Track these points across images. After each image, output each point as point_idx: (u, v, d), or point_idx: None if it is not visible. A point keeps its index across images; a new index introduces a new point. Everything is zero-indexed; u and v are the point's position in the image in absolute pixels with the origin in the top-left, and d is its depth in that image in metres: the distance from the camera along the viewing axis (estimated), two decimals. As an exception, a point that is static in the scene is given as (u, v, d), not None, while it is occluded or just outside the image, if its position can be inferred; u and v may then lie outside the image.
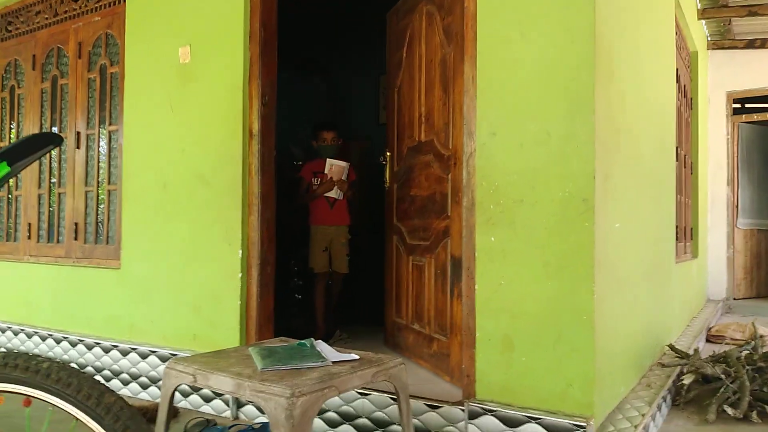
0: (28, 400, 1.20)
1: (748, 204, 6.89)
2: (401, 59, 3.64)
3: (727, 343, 4.43)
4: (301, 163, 4.92)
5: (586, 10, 2.34)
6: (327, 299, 4.18)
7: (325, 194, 4.14)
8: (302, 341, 2.39)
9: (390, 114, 3.83)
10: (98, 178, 4.07)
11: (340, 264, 4.20)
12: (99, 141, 4.07)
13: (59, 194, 4.31)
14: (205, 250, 3.32)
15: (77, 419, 1.16)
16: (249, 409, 3.08)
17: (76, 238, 4.10)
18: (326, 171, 4.11)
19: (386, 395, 2.66)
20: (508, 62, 2.50)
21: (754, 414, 2.90)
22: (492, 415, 2.41)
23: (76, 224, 4.11)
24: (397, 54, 3.72)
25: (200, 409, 3.22)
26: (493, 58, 2.52)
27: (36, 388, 1.17)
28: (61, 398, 1.16)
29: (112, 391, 1.18)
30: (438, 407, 2.55)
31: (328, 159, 4.11)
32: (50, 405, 1.18)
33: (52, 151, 4.34)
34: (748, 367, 3.13)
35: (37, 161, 4.39)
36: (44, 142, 1.27)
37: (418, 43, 3.41)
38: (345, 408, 2.76)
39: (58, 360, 1.21)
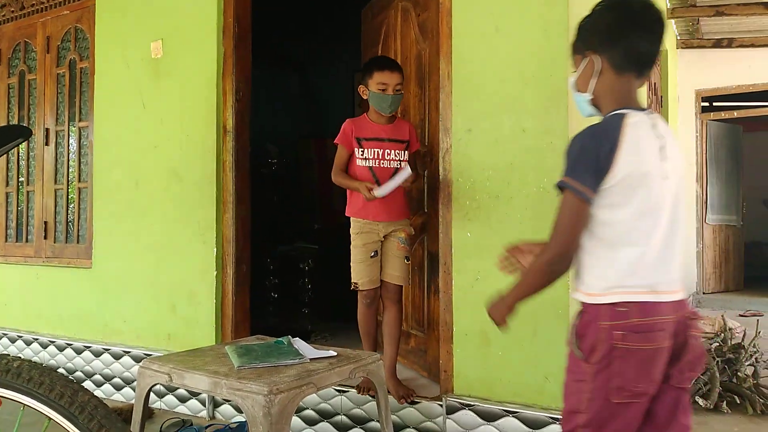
0: (-2, 400, 1.16)
1: (717, 200, 7.04)
2: (376, 55, 3.63)
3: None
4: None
5: (560, 5, 2.37)
6: (375, 323, 2.82)
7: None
8: (279, 339, 2.38)
9: (366, 111, 3.81)
10: (68, 175, 3.98)
11: (395, 272, 2.73)
12: (69, 138, 3.99)
13: (28, 192, 4.21)
14: (179, 248, 3.27)
15: (50, 419, 1.13)
16: (225, 408, 3.05)
17: (45, 237, 4.01)
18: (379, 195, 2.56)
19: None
20: (484, 57, 2.51)
21: (724, 404, 2.97)
22: (470, 409, 2.42)
23: (45, 223, 4.02)
24: (372, 50, 3.70)
25: (176, 410, 3.18)
26: (469, 53, 2.53)
27: (6, 388, 1.14)
28: (33, 398, 1.13)
29: (86, 389, 1.15)
30: (416, 403, 2.55)
31: (375, 192, 2.54)
32: (22, 405, 1.14)
33: (21, 148, 4.24)
34: (717, 359, 3.20)
35: (5, 158, 4.29)
36: (12, 134, 1.24)
37: (393, 39, 3.40)
38: (323, 405, 2.75)
39: (29, 359, 1.18)
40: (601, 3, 1.47)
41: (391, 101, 2.64)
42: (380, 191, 2.53)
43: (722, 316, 4.21)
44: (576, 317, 1.43)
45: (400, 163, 2.68)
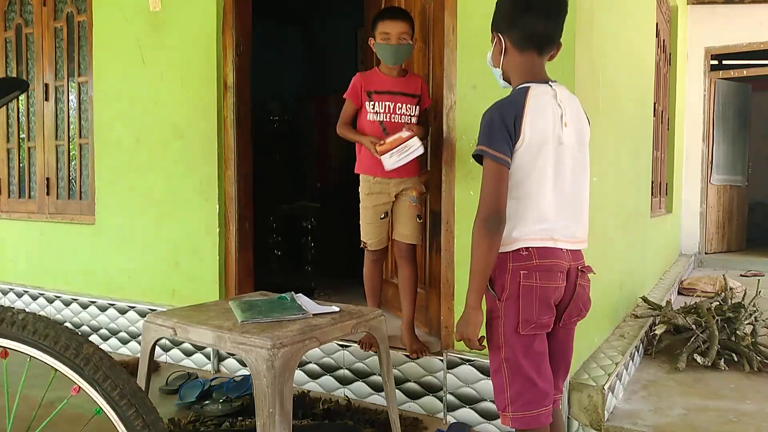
0: (4, 351, 1.18)
1: (722, 160, 6.98)
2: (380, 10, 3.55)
3: (698, 296, 4.55)
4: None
5: (570, -43, 2.29)
6: (380, 280, 2.85)
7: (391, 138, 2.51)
8: (282, 294, 2.39)
9: (369, 67, 3.75)
10: (69, 131, 3.96)
11: (406, 231, 2.69)
12: (68, 93, 3.95)
13: (29, 148, 4.20)
14: (181, 205, 3.27)
15: (56, 370, 1.15)
16: (230, 362, 3.10)
17: (48, 194, 4.01)
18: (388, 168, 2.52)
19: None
20: (489, 11, 2.43)
21: (722, 362, 3.00)
22: (469, 364, 2.45)
23: (47, 179, 4.01)
24: (376, 5, 3.62)
25: (181, 363, 3.23)
26: (474, 7, 2.47)
27: (12, 340, 1.15)
28: (39, 349, 1.14)
29: (90, 341, 1.17)
30: (417, 358, 2.59)
31: (385, 162, 2.49)
32: (28, 356, 1.16)
33: (21, 104, 4.20)
34: (717, 318, 3.22)
35: (5, 114, 4.25)
36: (9, 87, 1.22)
37: (397, -8, 3.32)
38: (326, 359, 2.79)
39: (34, 312, 1.19)
40: None
41: (394, 51, 2.57)
42: (389, 164, 2.48)
43: (724, 275, 4.23)
44: None
45: (410, 118, 2.63)
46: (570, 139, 1.60)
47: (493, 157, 1.52)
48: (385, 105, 2.62)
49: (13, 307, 1.20)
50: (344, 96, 2.68)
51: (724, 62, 7.07)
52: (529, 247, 1.55)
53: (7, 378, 1.23)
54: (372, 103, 2.62)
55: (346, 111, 2.68)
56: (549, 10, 1.61)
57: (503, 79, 1.71)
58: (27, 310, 1.19)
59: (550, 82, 1.63)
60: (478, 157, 1.57)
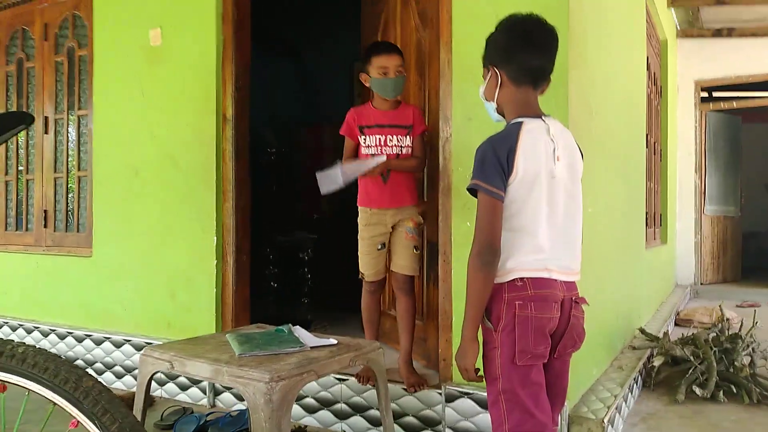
0: (3, 385, 1.17)
1: (715, 191, 7.05)
2: (377, 44, 3.62)
3: (695, 327, 4.55)
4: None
5: (562, -7, 2.35)
6: (377, 312, 2.88)
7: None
8: (280, 327, 2.38)
9: (366, 100, 3.80)
10: (68, 164, 3.97)
11: (403, 262, 2.68)
12: (68, 126, 3.98)
13: (27, 181, 4.21)
14: (179, 237, 3.27)
15: (55, 404, 1.14)
16: (226, 396, 3.07)
17: (45, 226, 4.01)
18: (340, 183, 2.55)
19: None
20: (484, 45, 2.50)
21: (721, 393, 2.99)
22: (469, 398, 2.43)
23: (45, 212, 4.02)
24: (371, 38, 3.68)
25: (177, 398, 3.19)
26: (469, 40, 2.52)
27: (11, 373, 1.14)
28: (38, 383, 1.13)
29: (90, 374, 1.16)
30: (415, 392, 2.56)
31: (362, 160, 2.59)
32: (27, 390, 1.15)
33: (20, 137, 4.23)
34: (715, 349, 3.22)
35: (4, 146, 4.27)
36: (15, 121, 1.24)
37: (393, 26, 3.39)
38: (323, 393, 2.77)
39: (33, 345, 1.18)
40: (501, 22, 1.70)
41: (393, 84, 2.62)
42: (338, 172, 2.51)
43: (720, 306, 4.24)
44: None
45: (402, 149, 2.65)
46: (562, 173, 1.62)
47: (486, 191, 1.56)
48: (376, 138, 2.65)
49: (13, 340, 1.20)
50: (341, 133, 2.72)
51: (714, 94, 7.19)
52: (524, 278, 1.57)
53: (5, 412, 1.22)
54: (364, 137, 2.66)
55: (346, 149, 2.72)
56: (545, 45, 1.66)
57: (497, 113, 1.73)
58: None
59: (543, 117, 1.65)
60: (473, 191, 1.61)
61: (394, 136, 2.66)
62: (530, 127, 1.60)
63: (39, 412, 1.20)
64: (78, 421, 1.13)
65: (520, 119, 1.62)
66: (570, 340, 1.64)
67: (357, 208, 2.76)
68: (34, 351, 1.16)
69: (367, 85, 2.69)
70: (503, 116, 1.72)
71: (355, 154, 2.70)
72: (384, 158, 2.55)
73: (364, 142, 2.66)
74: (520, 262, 1.58)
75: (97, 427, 1.12)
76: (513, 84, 1.66)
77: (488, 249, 1.55)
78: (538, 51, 1.64)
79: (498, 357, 1.58)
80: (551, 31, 1.66)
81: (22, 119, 1.24)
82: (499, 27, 1.70)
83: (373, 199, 2.66)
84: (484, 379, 1.63)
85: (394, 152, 2.65)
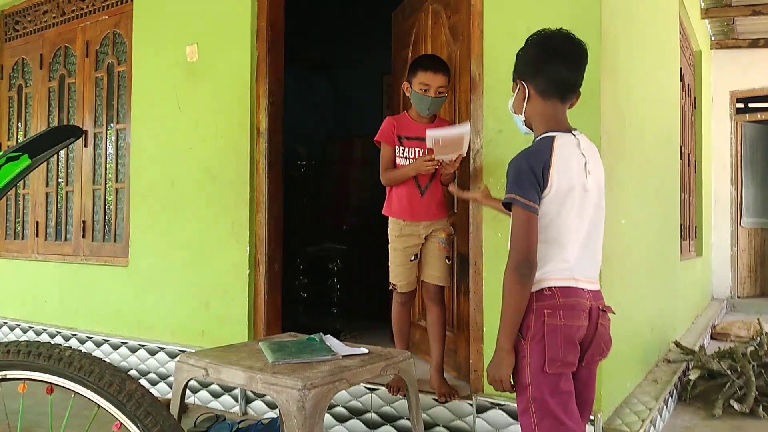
0: (50, 387, 1.21)
1: (752, 203, 6.90)
2: (407, 58, 3.65)
3: (731, 341, 4.44)
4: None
5: (593, 4, 2.36)
6: (408, 322, 2.87)
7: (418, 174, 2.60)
8: (311, 336, 2.41)
9: (396, 113, 3.84)
10: (106, 176, 4.09)
11: (435, 272, 2.68)
12: (107, 139, 4.10)
13: (67, 193, 4.34)
14: (212, 247, 3.34)
15: (99, 406, 1.18)
16: (257, 404, 3.10)
17: (84, 236, 4.13)
18: (430, 145, 2.45)
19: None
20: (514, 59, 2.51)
21: (760, 409, 2.92)
22: (500, 409, 2.42)
23: (84, 222, 4.14)
24: (402, 52, 3.73)
25: (209, 405, 3.24)
26: (500, 54, 2.53)
27: (58, 376, 1.19)
28: (83, 386, 1.17)
29: (133, 378, 1.20)
30: (446, 402, 2.56)
31: (428, 132, 2.43)
32: (72, 392, 1.20)
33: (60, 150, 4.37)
34: (753, 363, 3.14)
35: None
36: (65, 134, 1.29)
37: (423, 41, 3.43)
38: (353, 403, 2.78)
39: (79, 349, 1.23)
40: (530, 37, 1.73)
41: (431, 103, 2.59)
42: (436, 135, 2.40)
43: (758, 320, 4.14)
44: None
45: (440, 163, 2.56)
46: (592, 186, 1.66)
47: (523, 204, 1.57)
48: (415, 151, 2.64)
49: (60, 344, 1.24)
50: (376, 139, 2.69)
51: (750, 105, 7.06)
52: (552, 287, 1.60)
53: (52, 414, 1.26)
54: (402, 148, 2.65)
55: (385, 156, 2.67)
56: (573, 58, 1.68)
57: (525, 125, 1.77)
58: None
59: (573, 131, 1.68)
60: (507, 205, 1.63)
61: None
62: (562, 142, 1.63)
63: (83, 414, 1.25)
64: (121, 423, 1.17)
65: (551, 133, 1.65)
66: (597, 348, 1.65)
67: (384, 218, 2.76)
68: (79, 355, 1.21)
69: (407, 94, 2.67)
70: (531, 129, 1.75)
71: (395, 160, 2.67)
72: (468, 128, 2.43)
73: (402, 153, 2.64)
74: (548, 271, 1.61)
75: (139, 429, 1.15)
76: (541, 97, 1.68)
77: (526, 262, 1.57)
78: (565, 65, 1.67)
79: (528, 366, 1.59)
80: (580, 46, 1.69)
81: (72, 132, 1.30)
82: (528, 41, 1.74)
83: (408, 211, 2.64)
84: (513, 390, 1.64)
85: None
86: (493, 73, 2.55)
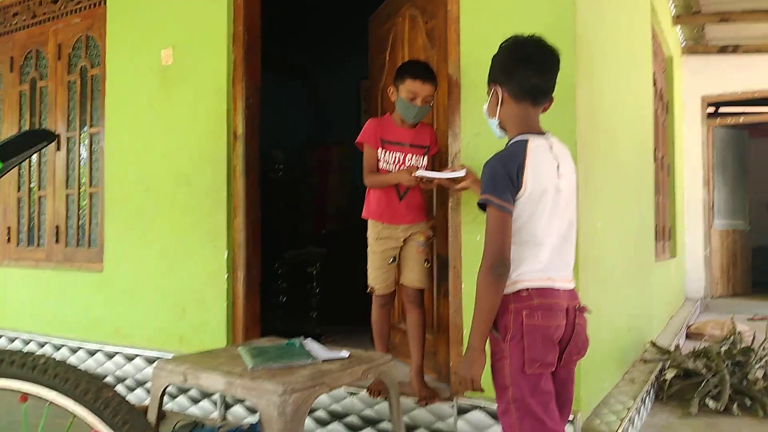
0: (24, 396, 1.19)
1: (723, 205, 7.04)
2: (384, 62, 3.66)
3: (706, 340, 4.52)
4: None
5: (567, 12, 2.40)
6: (388, 325, 2.85)
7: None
8: (291, 340, 2.40)
9: (373, 116, 3.85)
10: (79, 180, 4.02)
11: (414, 275, 2.68)
12: (80, 144, 4.04)
13: (39, 197, 4.26)
14: (189, 252, 3.30)
15: (75, 415, 1.16)
16: (237, 410, 3.07)
17: (57, 242, 4.05)
18: (418, 174, 2.43)
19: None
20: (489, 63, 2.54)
21: (734, 406, 2.97)
22: (480, 410, 2.44)
23: (57, 227, 4.06)
24: (380, 57, 3.74)
25: (187, 411, 3.20)
26: (476, 59, 2.55)
27: (33, 384, 1.16)
28: (59, 393, 1.15)
29: (110, 386, 1.18)
30: (426, 405, 2.56)
31: (420, 172, 2.43)
32: (47, 401, 1.17)
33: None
34: (727, 362, 3.20)
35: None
36: (38, 138, 1.27)
37: (401, 46, 3.44)
38: (334, 407, 2.77)
39: (54, 356, 1.20)
40: (503, 42, 1.77)
41: (417, 112, 2.57)
42: (424, 173, 2.40)
43: (732, 319, 4.22)
44: None
45: (418, 169, 2.55)
46: (564, 187, 1.70)
47: (497, 205, 1.61)
48: (396, 156, 2.63)
49: (33, 352, 1.22)
50: (358, 141, 2.66)
51: (721, 110, 7.21)
52: (528, 288, 1.62)
53: (26, 423, 1.23)
54: (384, 152, 2.63)
55: (369, 158, 2.64)
56: (545, 65, 1.72)
57: (499, 129, 1.80)
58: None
59: (544, 134, 1.73)
60: (482, 206, 1.66)
61: (413, 156, 2.64)
62: (535, 145, 1.66)
63: (58, 423, 1.22)
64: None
65: (524, 137, 1.68)
66: (575, 347, 1.68)
67: (364, 222, 2.75)
68: (54, 362, 1.18)
69: (393, 99, 2.65)
70: (506, 132, 1.78)
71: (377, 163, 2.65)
72: (462, 173, 2.29)
73: (383, 157, 2.63)
74: (524, 272, 1.63)
75: (117, 436, 1.13)
76: (513, 101, 1.72)
77: (500, 262, 1.60)
78: (536, 69, 1.70)
79: (507, 366, 1.61)
80: (551, 51, 1.73)
81: (45, 136, 1.27)
82: (501, 47, 1.78)
83: (386, 215, 2.64)
84: (482, 390, 1.65)
85: None
86: (469, 78, 2.57)
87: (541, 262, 1.64)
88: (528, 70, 1.70)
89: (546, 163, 1.66)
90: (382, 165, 2.64)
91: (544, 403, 1.59)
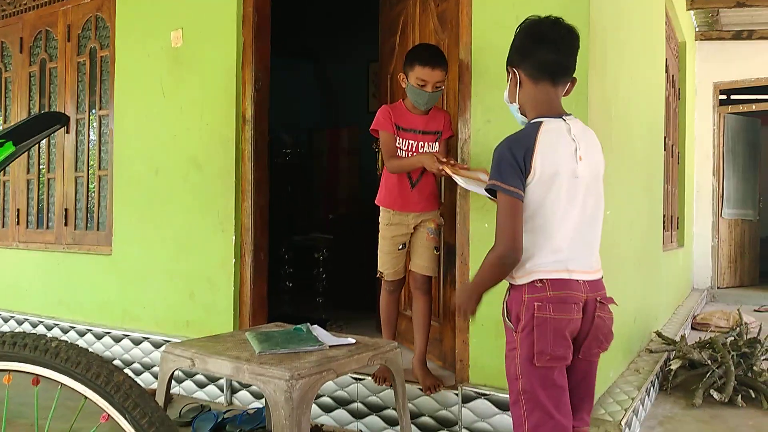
0: (36, 379, 1.19)
1: (733, 194, 6.98)
2: (394, 46, 3.63)
3: (712, 331, 4.51)
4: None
5: (582, -4, 2.36)
6: (396, 311, 2.85)
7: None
8: (298, 326, 2.40)
9: (383, 101, 3.82)
10: (89, 163, 4.03)
11: (423, 262, 2.68)
12: (89, 126, 4.04)
13: (48, 180, 4.27)
14: (198, 236, 3.31)
15: (86, 398, 1.16)
16: (243, 394, 3.10)
17: (66, 224, 4.07)
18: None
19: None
20: (504, 48, 2.49)
21: (739, 398, 2.97)
22: (485, 398, 2.44)
23: (66, 210, 4.08)
24: (390, 40, 3.71)
25: (194, 395, 3.23)
26: (488, 43, 2.53)
27: (45, 367, 1.17)
28: (71, 377, 1.16)
29: (120, 369, 1.19)
30: (431, 394, 2.57)
31: (454, 177, 2.26)
32: (59, 384, 1.18)
33: (41, 136, 4.29)
34: (733, 353, 3.19)
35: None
36: (50, 121, 1.27)
37: (411, 29, 3.40)
38: (339, 393, 2.79)
39: (66, 340, 1.21)
40: (519, 25, 1.74)
41: (428, 98, 2.55)
42: (459, 179, 2.25)
43: (738, 310, 4.20)
44: (505, 295, 1.68)
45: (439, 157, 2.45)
46: (584, 172, 1.63)
47: (505, 190, 1.57)
48: (409, 143, 2.62)
49: (46, 335, 1.23)
50: (373, 128, 2.64)
51: (733, 97, 7.13)
52: (543, 279, 1.58)
53: (38, 406, 1.24)
54: (399, 139, 2.61)
55: (388, 143, 2.60)
56: (562, 42, 1.67)
57: (520, 114, 1.75)
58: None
59: (564, 116, 1.66)
60: (492, 192, 1.63)
61: (426, 143, 2.63)
62: (549, 127, 1.61)
63: (70, 405, 1.23)
64: (109, 415, 1.15)
65: (540, 119, 1.63)
66: (595, 340, 1.64)
67: (373, 208, 2.76)
68: (66, 345, 1.19)
69: (403, 85, 2.62)
70: (526, 117, 1.73)
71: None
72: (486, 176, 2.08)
73: (398, 144, 2.61)
74: (539, 263, 1.59)
75: (127, 420, 1.14)
76: (531, 82, 1.68)
77: (511, 251, 1.57)
78: (552, 49, 1.66)
79: (518, 357, 1.60)
80: (567, 28, 1.68)
81: (58, 119, 1.27)
82: (517, 29, 1.74)
83: (398, 202, 2.65)
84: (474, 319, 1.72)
85: None
86: (481, 62, 2.54)
87: (558, 252, 1.59)
88: (543, 48, 1.65)
89: (561, 146, 1.60)
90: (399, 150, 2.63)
91: (555, 397, 1.57)
